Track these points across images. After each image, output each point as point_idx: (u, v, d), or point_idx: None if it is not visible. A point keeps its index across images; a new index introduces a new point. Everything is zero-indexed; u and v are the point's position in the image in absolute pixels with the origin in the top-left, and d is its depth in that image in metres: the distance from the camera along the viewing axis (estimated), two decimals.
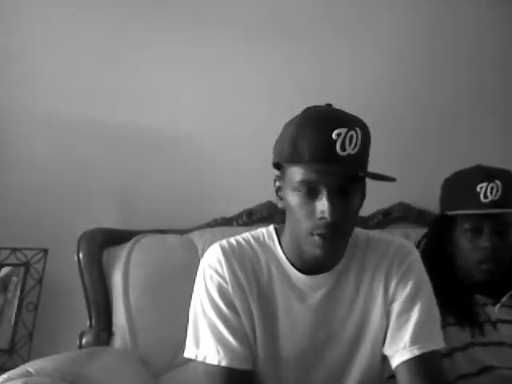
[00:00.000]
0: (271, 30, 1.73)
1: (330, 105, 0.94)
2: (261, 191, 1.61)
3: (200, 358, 0.92)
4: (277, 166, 0.95)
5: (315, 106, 0.93)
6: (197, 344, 0.93)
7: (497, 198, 1.13)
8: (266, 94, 1.71)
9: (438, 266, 1.21)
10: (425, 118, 1.74)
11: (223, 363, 0.89)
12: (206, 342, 0.92)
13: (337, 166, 0.83)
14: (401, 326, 0.92)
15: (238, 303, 0.93)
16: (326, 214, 0.82)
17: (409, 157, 1.70)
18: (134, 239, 1.44)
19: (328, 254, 0.87)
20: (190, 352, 0.94)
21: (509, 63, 1.79)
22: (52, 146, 1.66)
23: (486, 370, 1.08)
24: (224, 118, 1.69)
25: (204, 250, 1.41)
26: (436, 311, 0.97)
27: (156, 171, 1.67)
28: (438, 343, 0.92)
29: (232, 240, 0.98)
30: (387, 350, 0.94)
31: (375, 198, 1.51)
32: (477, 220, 1.15)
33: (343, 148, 0.82)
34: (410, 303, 0.93)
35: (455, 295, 1.16)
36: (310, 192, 0.84)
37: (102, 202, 1.64)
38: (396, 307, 0.94)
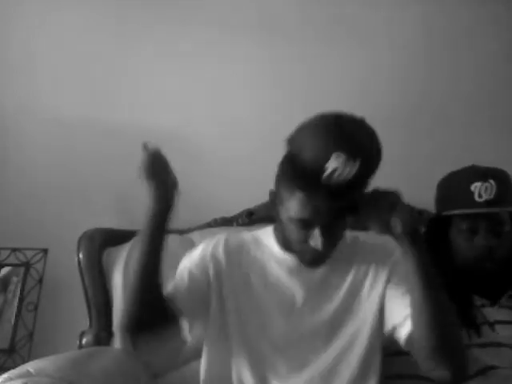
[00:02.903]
0: (271, 30, 1.74)
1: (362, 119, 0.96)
2: (261, 191, 1.61)
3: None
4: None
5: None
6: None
7: (491, 197, 1.13)
8: (266, 94, 1.71)
9: (434, 266, 1.21)
10: (423, 118, 1.74)
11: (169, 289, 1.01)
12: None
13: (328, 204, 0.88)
14: (403, 293, 0.95)
15: (205, 274, 1.03)
16: (318, 246, 0.90)
17: (408, 157, 1.70)
18: (134, 239, 1.44)
19: (316, 267, 0.99)
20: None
21: (506, 62, 1.79)
22: (52, 145, 1.66)
23: (483, 371, 1.08)
24: (224, 118, 1.69)
25: None
26: None
27: None
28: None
29: (237, 233, 1.11)
30: (393, 320, 0.96)
31: None
32: (472, 220, 1.15)
33: (329, 179, 0.85)
34: (405, 277, 0.95)
35: (452, 296, 1.16)
36: (304, 224, 0.91)
37: (102, 202, 1.64)
38: (392, 285, 0.99)
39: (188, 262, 1.06)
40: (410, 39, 1.77)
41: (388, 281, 1.00)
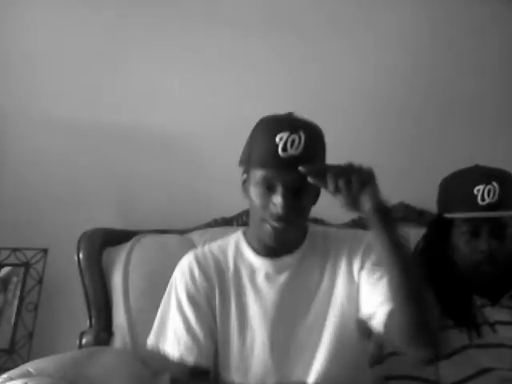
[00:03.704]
0: (271, 30, 1.74)
1: (290, 113, 1.01)
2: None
3: (162, 349, 1.02)
4: (242, 164, 1.06)
5: (273, 115, 1.02)
6: (160, 336, 1.03)
7: (494, 200, 1.12)
8: (266, 93, 1.71)
9: (435, 267, 1.21)
10: (425, 118, 1.74)
11: (176, 355, 0.99)
12: (168, 336, 1.02)
13: (280, 168, 0.93)
14: (375, 283, 0.97)
15: (202, 301, 1.02)
16: (278, 208, 0.93)
17: (409, 157, 1.70)
18: (133, 239, 1.45)
19: (278, 242, 0.98)
20: (152, 341, 1.03)
21: (509, 63, 1.79)
22: (52, 146, 1.66)
23: (483, 372, 1.08)
24: (224, 117, 1.69)
25: None
26: None
27: (156, 171, 1.67)
28: None
29: (205, 247, 1.10)
30: (366, 310, 0.98)
31: None
32: (474, 223, 1.15)
33: (285, 150, 0.93)
34: (378, 266, 0.97)
35: (453, 297, 1.16)
36: (269, 188, 0.96)
37: (101, 202, 1.64)
38: (365, 272, 1.00)
39: (178, 316, 1.03)
40: (416, 38, 1.77)
41: (361, 268, 1.01)
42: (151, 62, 1.71)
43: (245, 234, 1.09)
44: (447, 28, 1.79)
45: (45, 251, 1.58)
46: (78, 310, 1.41)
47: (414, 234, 1.43)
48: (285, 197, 0.93)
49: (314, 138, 0.97)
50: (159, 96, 1.70)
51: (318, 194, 1.03)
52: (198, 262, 1.05)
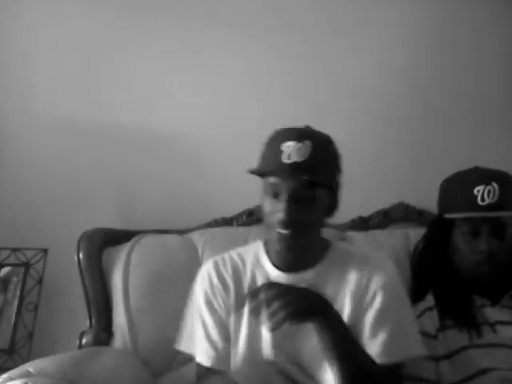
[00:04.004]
0: (271, 29, 1.73)
1: (307, 126, 1.03)
2: (260, 192, 1.62)
3: (190, 352, 1.06)
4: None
5: (286, 127, 1.04)
6: (189, 339, 1.06)
7: (494, 200, 1.13)
8: (266, 93, 1.71)
9: (436, 268, 1.21)
10: (425, 118, 1.74)
11: (198, 359, 1.03)
12: (198, 343, 1.05)
13: (285, 175, 0.95)
14: (372, 337, 0.97)
15: (218, 307, 1.05)
16: (282, 214, 0.95)
17: (409, 157, 1.70)
18: (133, 239, 1.44)
19: (285, 249, 0.99)
20: (183, 345, 1.07)
21: (510, 63, 1.79)
22: (51, 146, 1.66)
23: (484, 372, 1.08)
24: (224, 117, 1.69)
25: (204, 250, 1.43)
26: (410, 325, 1.02)
27: (156, 171, 1.67)
28: (406, 354, 0.98)
29: (226, 253, 1.12)
30: None
31: (375, 198, 1.52)
32: (474, 223, 1.15)
33: (289, 158, 0.95)
34: (381, 317, 0.98)
35: (453, 297, 1.16)
36: (275, 195, 0.98)
37: (101, 202, 1.64)
38: (369, 317, 0.99)
39: (198, 321, 1.05)
40: (417, 39, 1.76)
41: (366, 309, 0.99)
42: (151, 62, 1.71)
43: (265, 245, 1.10)
44: (448, 27, 1.78)
45: (45, 251, 1.58)
46: (78, 310, 1.41)
47: (413, 234, 1.44)
48: (288, 202, 0.95)
49: (321, 146, 0.98)
50: (159, 96, 1.70)
51: (332, 207, 1.04)
52: (217, 268, 1.07)
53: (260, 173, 1.01)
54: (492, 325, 1.14)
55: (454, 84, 1.76)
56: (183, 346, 1.07)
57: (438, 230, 1.24)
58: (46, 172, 1.65)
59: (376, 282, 1.00)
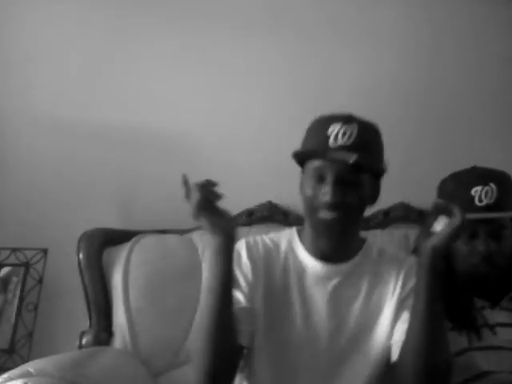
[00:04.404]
0: (271, 29, 1.73)
1: (349, 113, 1.00)
2: (261, 191, 1.62)
3: None
4: (300, 162, 1.04)
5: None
6: None
7: (492, 201, 1.12)
8: (266, 93, 1.71)
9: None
10: (425, 118, 1.74)
11: None
12: None
13: (331, 157, 0.93)
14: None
15: (243, 287, 0.98)
16: (327, 196, 0.93)
17: (409, 157, 1.70)
18: (134, 239, 1.45)
19: (328, 234, 0.96)
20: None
21: (509, 62, 1.79)
22: (52, 146, 1.66)
23: (483, 374, 1.07)
24: (224, 117, 1.69)
25: (204, 250, 1.42)
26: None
27: (156, 171, 1.67)
28: None
29: (257, 237, 1.07)
30: (395, 337, 0.96)
31: None
32: (472, 224, 1.14)
33: (336, 140, 0.93)
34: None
35: (452, 299, 1.16)
36: (320, 178, 0.95)
37: (102, 202, 1.64)
38: (407, 304, 0.97)
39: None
40: (415, 39, 1.76)
41: (407, 297, 0.98)
42: (151, 62, 1.71)
43: (299, 232, 1.06)
44: (447, 28, 1.78)
45: (45, 251, 1.57)
46: (78, 310, 1.41)
47: (413, 234, 1.43)
48: (334, 185, 0.92)
49: (368, 131, 0.97)
50: (159, 96, 1.70)
51: (375, 195, 1.02)
52: (249, 247, 1.02)
53: (306, 154, 0.98)
54: (492, 327, 1.13)
55: (453, 84, 1.76)
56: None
57: None
58: (46, 172, 1.65)
59: (413, 283, 0.98)
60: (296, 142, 1.02)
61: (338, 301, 0.99)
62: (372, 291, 1.00)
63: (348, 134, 0.93)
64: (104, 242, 1.43)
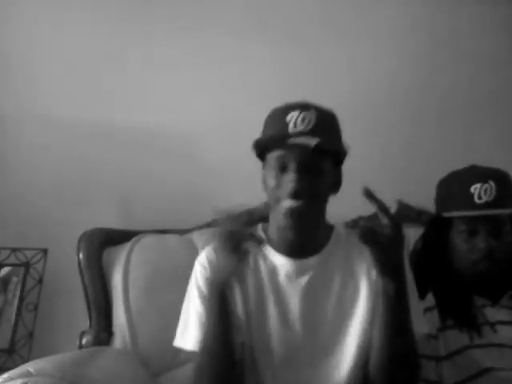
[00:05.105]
0: (270, 31, 1.74)
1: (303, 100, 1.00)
2: (261, 191, 1.61)
3: (187, 347, 0.97)
4: (260, 156, 1.03)
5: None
6: (183, 334, 0.99)
7: (491, 198, 1.13)
8: (266, 94, 1.71)
9: (434, 267, 1.21)
10: (424, 118, 1.74)
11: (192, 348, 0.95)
12: (192, 332, 0.97)
13: (292, 145, 0.91)
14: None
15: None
16: (292, 183, 0.91)
17: (408, 157, 1.70)
18: (134, 239, 1.45)
19: (294, 224, 0.94)
20: (177, 342, 0.99)
21: (506, 62, 1.79)
22: (52, 145, 1.66)
23: (484, 372, 1.08)
24: (224, 117, 1.69)
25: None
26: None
27: (156, 171, 1.67)
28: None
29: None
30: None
31: None
32: (472, 221, 1.15)
33: (295, 127, 0.92)
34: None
35: (453, 297, 1.16)
36: (282, 168, 0.94)
37: (101, 202, 1.64)
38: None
39: (198, 302, 0.99)
40: (413, 39, 1.77)
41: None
42: (150, 62, 1.72)
43: (264, 230, 1.05)
44: (444, 28, 1.79)
45: (45, 251, 1.58)
46: (78, 310, 1.41)
47: (413, 234, 1.43)
48: (298, 172, 0.91)
49: (325, 116, 0.97)
50: (159, 96, 1.70)
51: (338, 182, 1.00)
52: (210, 260, 1.01)
53: (266, 142, 0.97)
54: (492, 325, 1.14)
55: (451, 84, 1.76)
56: (179, 342, 1.01)
57: (436, 229, 1.24)
58: (46, 172, 1.65)
59: None
60: None
61: (312, 297, 0.98)
62: (345, 285, 0.99)
63: (307, 120, 0.93)
64: (104, 242, 1.43)
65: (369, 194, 0.84)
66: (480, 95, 1.76)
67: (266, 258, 1.01)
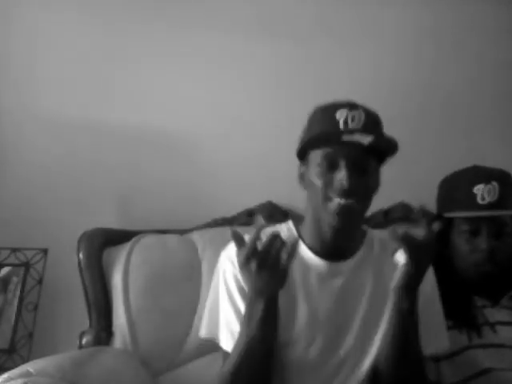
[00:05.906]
0: (270, 30, 1.73)
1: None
2: (261, 191, 1.62)
3: (219, 343, 0.97)
4: (299, 154, 1.01)
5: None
6: (209, 327, 0.99)
7: (494, 199, 1.13)
8: (266, 94, 1.71)
9: (435, 267, 1.21)
10: (425, 118, 1.74)
11: (224, 346, 0.96)
12: (220, 327, 0.97)
13: (348, 139, 0.89)
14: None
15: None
16: (344, 181, 0.89)
17: (409, 156, 1.69)
18: (134, 239, 1.44)
19: (343, 223, 0.92)
20: (203, 333, 1.01)
21: (510, 63, 1.79)
22: (52, 145, 1.66)
23: (484, 372, 1.08)
24: (224, 117, 1.69)
25: (204, 250, 1.42)
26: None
27: (156, 171, 1.67)
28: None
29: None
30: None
31: (375, 198, 1.51)
32: (474, 222, 1.15)
33: (346, 125, 0.91)
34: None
35: (453, 297, 1.16)
36: (331, 165, 0.92)
37: (102, 202, 1.64)
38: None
39: (226, 299, 0.97)
40: (415, 40, 1.76)
41: None
42: (152, 63, 1.71)
43: (297, 228, 1.03)
44: (446, 29, 1.78)
45: (45, 251, 1.57)
46: (78, 310, 1.41)
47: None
48: (350, 170, 0.90)
49: (372, 115, 0.97)
50: (159, 96, 1.70)
51: (378, 184, 0.98)
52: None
53: (318, 139, 0.93)
54: (492, 325, 1.14)
55: (454, 84, 1.76)
56: (207, 332, 1.00)
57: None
58: (47, 172, 1.65)
59: None
60: (297, 142, 1.02)
61: (344, 301, 0.97)
62: (376, 290, 0.99)
63: (357, 118, 0.92)
64: (104, 242, 1.43)
65: (424, 213, 0.89)
66: (483, 96, 1.76)
67: (298, 254, 0.97)
